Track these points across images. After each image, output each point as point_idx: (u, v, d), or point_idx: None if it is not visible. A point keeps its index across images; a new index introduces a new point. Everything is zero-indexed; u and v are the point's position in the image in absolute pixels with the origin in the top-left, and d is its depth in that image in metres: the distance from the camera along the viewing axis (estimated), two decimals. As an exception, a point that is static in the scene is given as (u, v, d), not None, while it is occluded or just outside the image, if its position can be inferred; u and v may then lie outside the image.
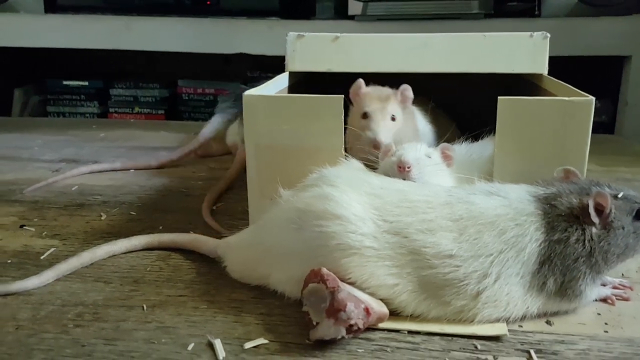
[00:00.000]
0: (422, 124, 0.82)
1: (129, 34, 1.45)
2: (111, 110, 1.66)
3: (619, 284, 0.56)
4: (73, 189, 0.90)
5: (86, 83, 1.65)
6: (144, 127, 1.38)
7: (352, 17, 1.38)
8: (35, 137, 1.25)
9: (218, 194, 0.86)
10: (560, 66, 1.33)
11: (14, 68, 1.66)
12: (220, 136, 1.10)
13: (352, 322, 0.45)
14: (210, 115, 1.15)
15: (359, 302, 0.46)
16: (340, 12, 1.44)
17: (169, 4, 1.48)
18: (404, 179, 0.55)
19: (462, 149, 0.68)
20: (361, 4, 1.36)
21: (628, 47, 1.32)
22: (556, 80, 0.70)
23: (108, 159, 1.06)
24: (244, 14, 1.44)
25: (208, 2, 1.47)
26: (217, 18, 1.43)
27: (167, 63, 1.63)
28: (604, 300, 0.54)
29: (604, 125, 1.44)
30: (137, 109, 1.66)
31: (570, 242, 0.49)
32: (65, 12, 1.49)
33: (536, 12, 1.40)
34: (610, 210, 0.50)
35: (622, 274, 0.59)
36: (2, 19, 1.47)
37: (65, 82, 1.65)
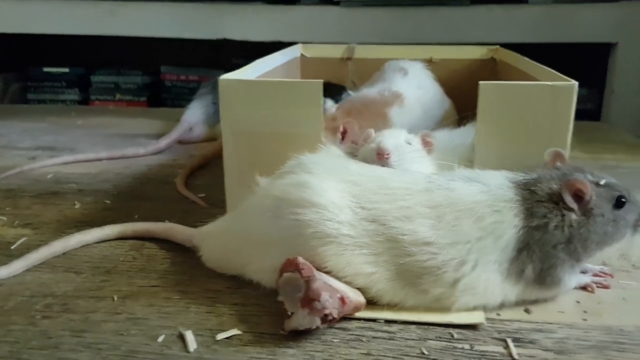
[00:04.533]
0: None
1: (111, 19, 1.42)
2: (92, 97, 1.63)
3: (600, 272, 0.55)
4: (48, 176, 0.87)
5: (67, 70, 1.62)
6: (124, 115, 1.35)
7: (337, 3, 1.36)
8: (14, 124, 1.22)
9: (191, 169, 0.88)
10: (548, 53, 1.32)
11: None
12: (202, 122, 1.10)
13: (327, 311, 0.44)
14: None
15: (335, 292, 0.45)
16: (326, -3, 1.42)
17: (153, -11, 1.45)
18: (383, 166, 0.54)
19: (443, 135, 0.67)
20: (346, -11, 1.34)
21: (614, 34, 1.32)
22: (538, 64, 0.69)
23: (86, 146, 1.04)
24: (228, -1, 1.42)
25: (191, -13, 1.44)
26: (201, 3, 1.41)
27: (150, 49, 1.60)
28: (584, 288, 0.53)
29: (590, 112, 1.44)
30: (118, 96, 1.63)
31: (549, 229, 0.48)
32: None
33: (523, -1, 1.39)
34: (591, 197, 0.49)
35: (604, 262, 0.58)
36: (-20, 4, 1.44)
37: (45, 69, 1.62)
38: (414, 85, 0.85)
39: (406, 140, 0.57)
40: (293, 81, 0.59)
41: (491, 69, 1.00)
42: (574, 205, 0.48)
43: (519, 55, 0.85)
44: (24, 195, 0.79)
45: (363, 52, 1.04)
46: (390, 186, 0.50)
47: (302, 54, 1.05)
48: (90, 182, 0.85)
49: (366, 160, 0.56)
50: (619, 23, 1.30)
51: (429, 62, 1.00)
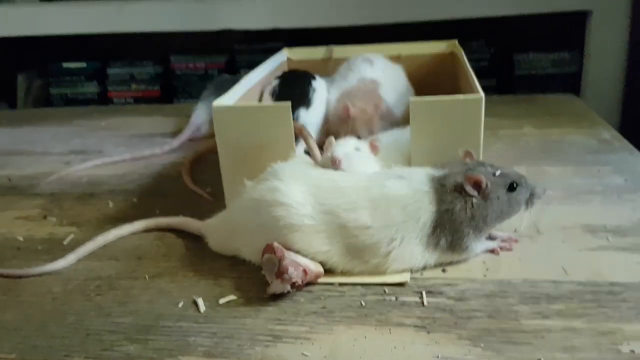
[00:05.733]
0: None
1: (120, 17, 1.57)
2: (110, 89, 1.78)
3: (507, 238, 0.72)
4: (83, 180, 1.06)
5: (84, 65, 1.77)
6: (140, 113, 1.51)
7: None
8: (45, 130, 1.39)
9: (192, 161, 1.06)
10: (536, 19, 1.43)
11: (14, 55, 1.78)
12: (207, 122, 1.26)
13: (294, 280, 0.62)
14: (201, 90, 1.31)
15: (299, 266, 0.63)
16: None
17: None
18: (337, 170, 0.71)
19: (392, 135, 0.83)
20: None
21: (588, 2, 1.43)
22: (470, 74, 0.84)
23: (111, 148, 1.21)
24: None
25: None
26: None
27: (159, 41, 1.74)
28: (492, 251, 0.70)
29: (574, 75, 1.56)
30: (134, 87, 1.78)
31: (455, 211, 0.65)
32: (59, -1, 1.60)
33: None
34: (487, 185, 0.66)
35: (515, 229, 0.75)
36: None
37: (65, 65, 1.77)
38: (380, 70, 1.03)
39: (355, 148, 0.74)
40: (268, 105, 0.76)
41: (450, 62, 1.15)
42: (473, 193, 0.65)
43: (462, 53, 1.01)
44: (66, 198, 0.97)
45: (340, 52, 1.20)
46: (340, 186, 0.67)
47: (288, 57, 1.21)
48: (119, 182, 1.03)
49: (325, 165, 0.73)
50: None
51: (398, 59, 1.15)
